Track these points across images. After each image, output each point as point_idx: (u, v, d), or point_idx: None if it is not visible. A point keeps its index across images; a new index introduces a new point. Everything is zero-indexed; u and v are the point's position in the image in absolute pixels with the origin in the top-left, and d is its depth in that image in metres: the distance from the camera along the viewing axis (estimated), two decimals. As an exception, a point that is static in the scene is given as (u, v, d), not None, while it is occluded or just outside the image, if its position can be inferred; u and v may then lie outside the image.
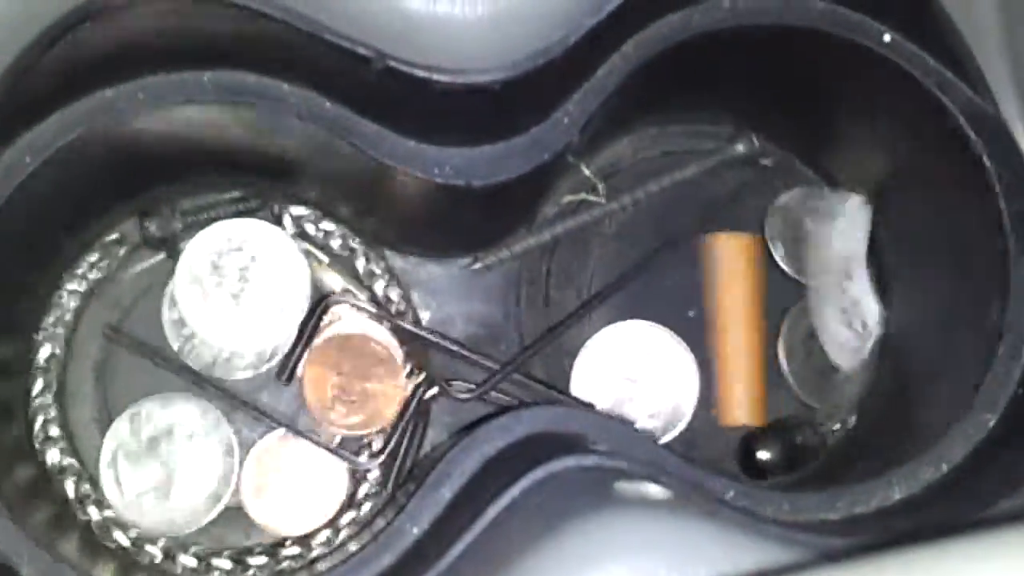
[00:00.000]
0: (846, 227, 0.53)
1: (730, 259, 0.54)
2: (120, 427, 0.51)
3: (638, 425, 0.52)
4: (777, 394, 0.55)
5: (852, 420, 0.54)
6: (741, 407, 0.54)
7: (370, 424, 0.52)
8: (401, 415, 0.52)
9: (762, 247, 0.55)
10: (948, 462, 0.44)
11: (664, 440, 0.53)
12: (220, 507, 0.51)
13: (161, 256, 0.53)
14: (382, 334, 0.53)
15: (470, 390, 0.52)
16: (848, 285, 0.52)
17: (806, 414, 0.54)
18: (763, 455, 0.52)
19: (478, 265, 0.54)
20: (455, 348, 0.53)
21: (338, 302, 0.53)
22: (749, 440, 0.53)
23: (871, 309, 0.52)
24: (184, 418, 0.52)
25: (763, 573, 0.37)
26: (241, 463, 0.52)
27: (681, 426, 0.53)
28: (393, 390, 0.52)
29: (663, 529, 0.40)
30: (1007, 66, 0.49)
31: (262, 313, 0.51)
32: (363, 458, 0.52)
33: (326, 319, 0.53)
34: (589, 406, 0.53)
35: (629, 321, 0.54)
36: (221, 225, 0.52)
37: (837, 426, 0.53)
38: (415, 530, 0.44)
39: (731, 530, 0.40)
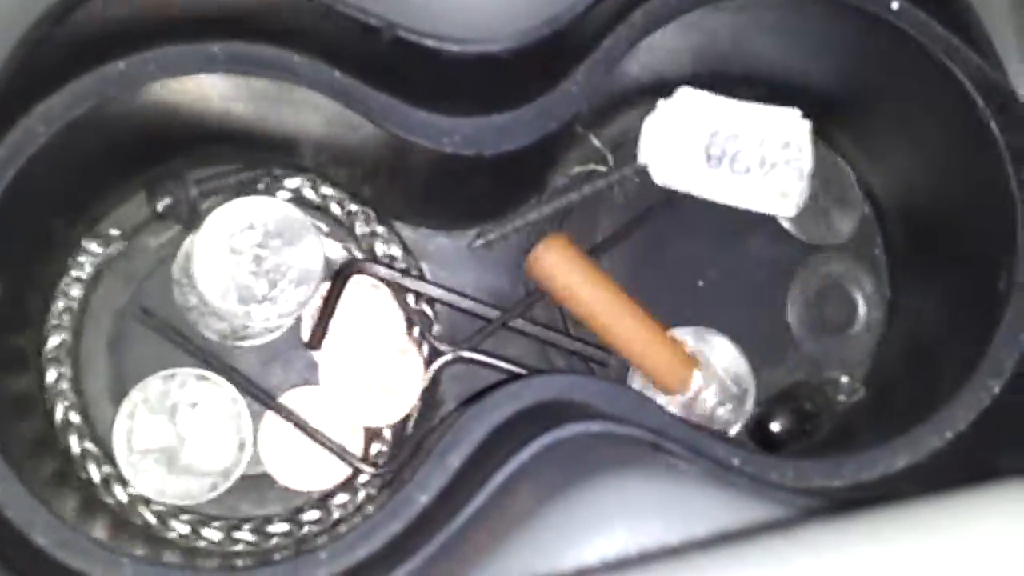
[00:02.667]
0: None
1: (557, 265, 0.52)
2: (152, 384, 0.51)
3: (719, 415, 0.53)
4: (789, 361, 0.55)
5: (862, 378, 0.54)
6: (678, 372, 0.53)
7: (393, 414, 0.52)
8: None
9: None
10: (952, 430, 0.44)
11: (742, 419, 0.53)
12: (214, 494, 0.51)
13: (174, 228, 0.53)
14: (396, 314, 0.53)
15: (456, 348, 0.53)
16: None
17: (815, 378, 0.54)
18: (776, 427, 0.52)
19: (480, 241, 0.54)
20: (470, 303, 0.53)
21: (357, 271, 0.53)
22: (761, 416, 0.53)
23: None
24: (211, 399, 0.52)
25: (758, 528, 0.37)
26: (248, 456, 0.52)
27: (750, 401, 0.53)
28: (411, 380, 0.52)
29: (663, 491, 0.40)
30: (1015, 33, 0.49)
31: (279, 288, 0.52)
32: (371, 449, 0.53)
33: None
34: (603, 361, 0.53)
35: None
36: (233, 204, 0.52)
37: (846, 379, 0.54)
38: (423, 498, 0.44)
39: (733, 492, 0.41)
